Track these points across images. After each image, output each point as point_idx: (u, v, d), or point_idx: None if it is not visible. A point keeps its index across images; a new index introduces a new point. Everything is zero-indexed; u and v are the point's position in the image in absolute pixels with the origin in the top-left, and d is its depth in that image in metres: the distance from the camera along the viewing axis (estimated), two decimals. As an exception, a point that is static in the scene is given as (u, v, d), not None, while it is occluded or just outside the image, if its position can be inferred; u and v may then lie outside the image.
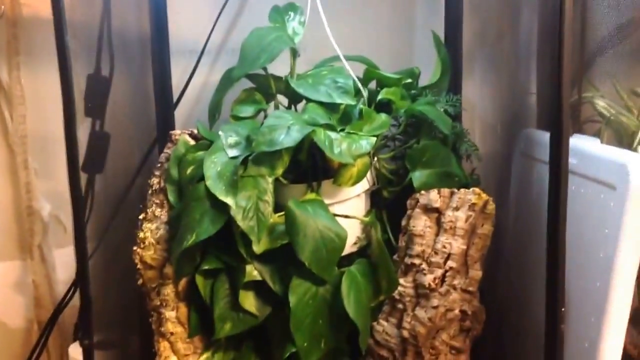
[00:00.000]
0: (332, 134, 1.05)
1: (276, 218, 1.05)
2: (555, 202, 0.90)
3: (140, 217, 1.14)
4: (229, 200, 1.02)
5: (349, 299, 1.02)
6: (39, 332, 1.40)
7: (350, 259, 1.10)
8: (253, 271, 1.05)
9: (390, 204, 1.17)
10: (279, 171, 1.04)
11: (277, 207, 1.05)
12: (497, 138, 1.40)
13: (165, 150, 1.17)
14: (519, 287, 1.20)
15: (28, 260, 1.42)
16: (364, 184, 1.12)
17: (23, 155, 1.41)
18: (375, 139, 1.07)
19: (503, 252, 1.22)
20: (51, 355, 1.43)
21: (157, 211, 1.13)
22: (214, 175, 1.03)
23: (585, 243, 0.99)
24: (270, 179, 1.04)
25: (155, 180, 1.16)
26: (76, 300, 1.43)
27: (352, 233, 1.10)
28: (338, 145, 1.04)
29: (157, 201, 1.14)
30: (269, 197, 1.03)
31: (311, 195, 1.07)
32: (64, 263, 1.45)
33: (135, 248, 1.11)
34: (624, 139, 1.14)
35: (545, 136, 0.93)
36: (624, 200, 0.93)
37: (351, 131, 1.08)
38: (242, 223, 1.01)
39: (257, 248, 1.03)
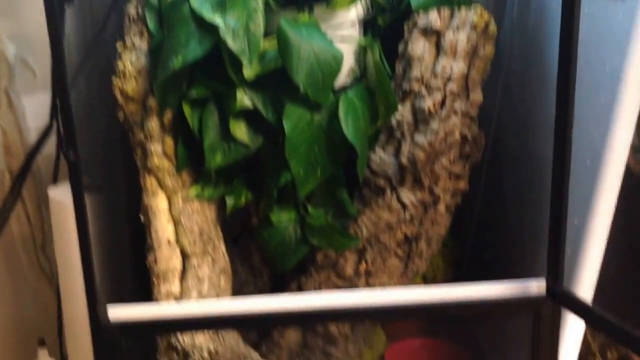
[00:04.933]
0: (325, -51, 0.98)
1: (266, 44, 0.99)
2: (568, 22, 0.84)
3: (118, 48, 1.06)
4: (216, 19, 0.94)
5: (347, 122, 0.98)
6: (11, 181, 1.33)
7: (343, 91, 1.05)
8: (244, 98, 0.99)
9: (384, 35, 1.11)
10: (269, -10, 0.97)
11: (267, 36, 0.98)
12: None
13: (142, -26, 1.07)
14: (521, 110, 1.16)
15: (-6, 108, 1.34)
16: (359, 10, 1.06)
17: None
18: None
19: (502, 75, 1.17)
20: (27, 205, 1.37)
21: (137, 40, 1.05)
22: (198, -6, 0.96)
23: (591, 58, 0.95)
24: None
25: (132, 9, 1.07)
26: (49, 149, 1.37)
27: (346, 63, 1.05)
28: (332, -40, 0.97)
29: (136, 30, 1.06)
30: (259, 18, 0.96)
31: (304, 18, 1.01)
32: (34, 112, 1.37)
33: (114, 80, 1.04)
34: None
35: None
36: (634, 11, 0.88)
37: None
38: (232, 44, 0.94)
39: (248, 72, 0.96)
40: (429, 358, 1.24)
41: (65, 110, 0.75)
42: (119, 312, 0.86)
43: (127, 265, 1.15)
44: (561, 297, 0.88)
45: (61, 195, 1.20)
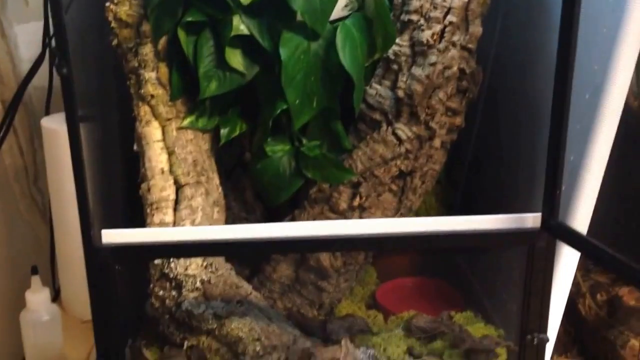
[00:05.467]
0: None
1: (263, -31, 0.97)
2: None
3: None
4: (213, -59, 0.92)
5: (344, 51, 0.96)
6: (3, 110, 1.32)
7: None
8: (240, 25, 0.97)
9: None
10: None
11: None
12: None
13: None
14: (521, 44, 1.14)
15: (-15, 37, 1.32)
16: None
17: None
18: None
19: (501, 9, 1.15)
20: (19, 137, 1.36)
21: (130, -37, 1.03)
22: None
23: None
24: None
25: None
26: (42, 80, 1.35)
27: (343, -6, 1.03)
28: None
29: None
30: (256, -60, 0.94)
31: (303, -57, 0.98)
32: (26, 41, 1.35)
33: (107, 4, 1.02)
34: None
35: None
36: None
37: None
38: (228, -33, 0.92)
39: (245, -3, 0.94)
40: (421, 297, 1.25)
41: (59, 24, 0.73)
42: (112, 236, 0.86)
43: (120, 196, 1.14)
44: (556, 229, 0.88)
45: (54, 124, 1.19)
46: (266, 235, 0.87)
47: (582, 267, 1.30)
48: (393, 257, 1.28)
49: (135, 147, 1.06)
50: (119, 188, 1.13)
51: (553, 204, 0.88)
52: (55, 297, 1.36)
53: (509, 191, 1.14)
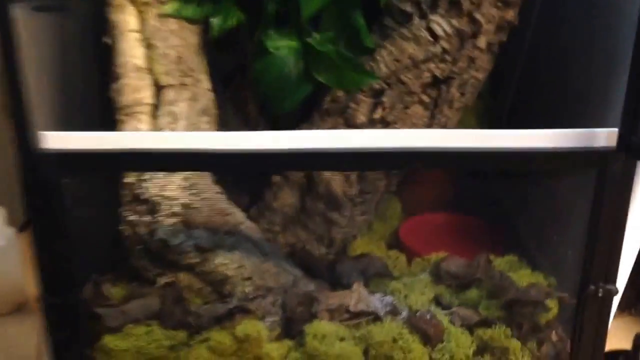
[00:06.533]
0: None
1: None
2: None
3: None
4: None
5: None
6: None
7: None
8: None
9: None
10: None
11: None
12: None
13: None
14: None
15: None
16: None
17: None
18: None
19: None
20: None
21: None
22: None
23: None
24: None
25: None
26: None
27: None
28: None
29: None
30: None
31: None
32: None
33: None
34: None
35: None
36: None
37: None
38: None
39: None
40: (453, 236, 1.05)
41: None
42: (57, 140, 0.66)
43: (90, 99, 0.94)
44: (637, 149, 0.66)
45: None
46: (261, 147, 0.67)
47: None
48: (421, 187, 1.07)
49: (105, 39, 0.86)
50: (88, 90, 0.93)
51: (635, 116, 0.67)
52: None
53: (574, 108, 0.91)
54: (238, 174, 0.93)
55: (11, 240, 0.95)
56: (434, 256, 0.94)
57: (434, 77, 0.85)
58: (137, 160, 0.68)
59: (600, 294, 0.74)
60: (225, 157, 0.68)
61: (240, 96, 1.01)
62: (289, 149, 0.67)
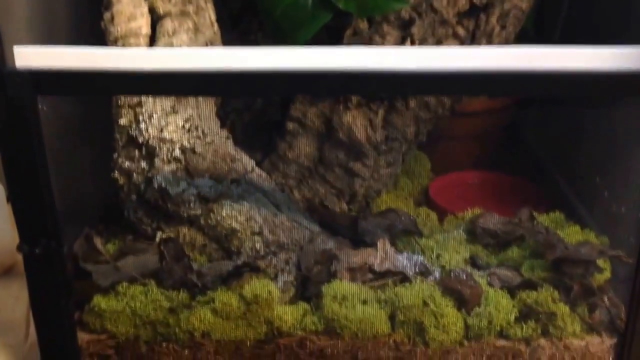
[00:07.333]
0: None
1: None
2: None
3: None
4: None
5: None
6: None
7: None
8: None
9: None
10: None
11: None
12: None
13: None
14: None
15: None
16: None
17: None
18: None
19: None
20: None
21: None
22: None
23: None
24: None
25: None
26: None
27: None
28: None
29: None
30: None
31: None
32: None
33: None
34: None
35: None
36: None
37: None
38: None
39: None
40: (488, 195, 0.94)
41: None
42: (31, 56, 0.56)
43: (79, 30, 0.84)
44: None
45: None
46: (268, 66, 0.57)
47: None
48: (453, 142, 0.96)
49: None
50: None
51: None
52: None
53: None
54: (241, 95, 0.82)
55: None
56: (469, 214, 0.84)
57: (472, 3, 0.74)
58: (127, 81, 0.58)
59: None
60: (227, 79, 0.57)
61: (249, 39, 0.91)
62: (301, 70, 0.57)
